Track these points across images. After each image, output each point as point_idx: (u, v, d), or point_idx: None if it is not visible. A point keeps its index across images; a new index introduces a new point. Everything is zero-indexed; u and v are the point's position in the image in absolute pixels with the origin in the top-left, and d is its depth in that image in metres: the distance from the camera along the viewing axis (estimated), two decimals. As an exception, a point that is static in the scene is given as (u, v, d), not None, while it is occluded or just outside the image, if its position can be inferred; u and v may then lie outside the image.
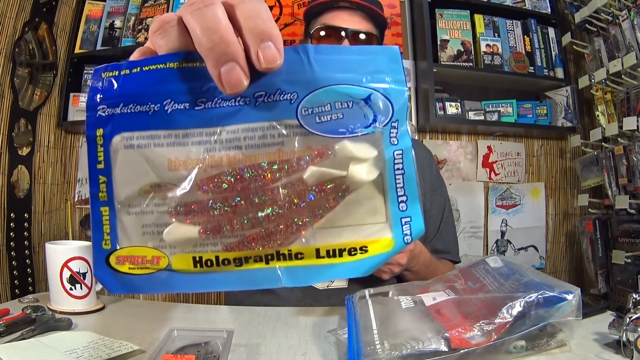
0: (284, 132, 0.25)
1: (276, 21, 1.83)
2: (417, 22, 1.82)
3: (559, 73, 1.82)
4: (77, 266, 0.82)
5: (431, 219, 1.04)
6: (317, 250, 0.26)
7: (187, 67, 0.25)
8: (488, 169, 1.85)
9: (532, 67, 1.80)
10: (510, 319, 0.53)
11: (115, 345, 0.61)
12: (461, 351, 0.52)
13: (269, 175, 0.25)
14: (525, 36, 1.83)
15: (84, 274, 0.83)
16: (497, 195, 1.85)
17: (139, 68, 0.25)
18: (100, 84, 0.26)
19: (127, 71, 0.26)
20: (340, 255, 0.26)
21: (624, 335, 0.54)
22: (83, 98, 1.77)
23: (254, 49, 0.24)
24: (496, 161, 1.85)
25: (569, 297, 0.54)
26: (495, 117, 1.78)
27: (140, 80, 0.25)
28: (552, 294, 0.54)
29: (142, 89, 0.25)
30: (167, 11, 1.77)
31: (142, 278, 0.26)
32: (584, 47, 1.70)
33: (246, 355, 0.60)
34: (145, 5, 1.79)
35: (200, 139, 0.25)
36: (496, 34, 1.81)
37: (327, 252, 0.26)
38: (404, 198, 0.26)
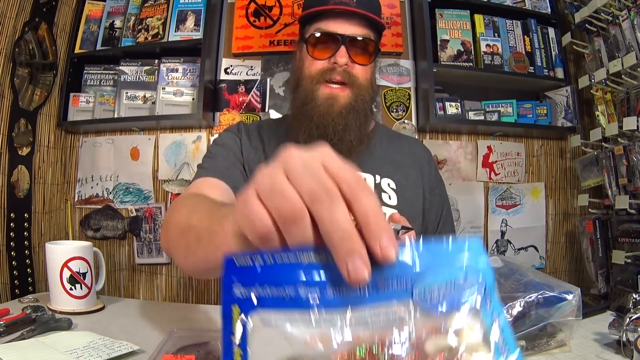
0: (403, 312, 0.29)
1: (276, 21, 1.83)
2: (417, 22, 1.82)
3: (559, 73, 1.82)
4: (77, 266, 0.82)
5: (430, 219, 1.04)
6: None
7: (318, 262, 0.29)
8: (488, 169, 1.85)
9: (532, 67, 1.80)
10: (510, 319, 0.53)
11: (115, 345, 0.61)
12: (461, 351, 0.52)
13: (395, 349, 0.29)
14: (525, 36, 1.83)
15: (84, 274, 0.83)
16: (497, 195, 1.85)
17: (272, 261, 0.29)
18: (235, 271, 0.30)
19: (262, 262, 0.29)
20: None
21: (624, 335, 0.54)
22: (83, 98, 1.77)
23: (374, 244, 0.28)
24: (496, 161, 1.85)
25: (569, 297, 0.54)
26: (495, 117, 1.78)
27: (276, 273, 0.29)
28: (552, 294, 0.54)
29: (278, 279, 0.29)
30: (167, 11, 1.77)
31: None
32: (584, 47, 1.70)
33: (246, 355, 0.60)
34: (145, 5, 1.79)
35: (333, 320, 0.29)
36: (496, 34, 1.81)
37: None
38: (504, 346, 0.30)
